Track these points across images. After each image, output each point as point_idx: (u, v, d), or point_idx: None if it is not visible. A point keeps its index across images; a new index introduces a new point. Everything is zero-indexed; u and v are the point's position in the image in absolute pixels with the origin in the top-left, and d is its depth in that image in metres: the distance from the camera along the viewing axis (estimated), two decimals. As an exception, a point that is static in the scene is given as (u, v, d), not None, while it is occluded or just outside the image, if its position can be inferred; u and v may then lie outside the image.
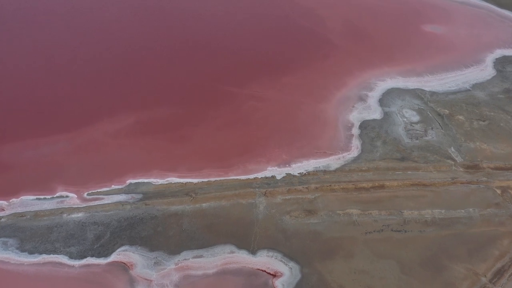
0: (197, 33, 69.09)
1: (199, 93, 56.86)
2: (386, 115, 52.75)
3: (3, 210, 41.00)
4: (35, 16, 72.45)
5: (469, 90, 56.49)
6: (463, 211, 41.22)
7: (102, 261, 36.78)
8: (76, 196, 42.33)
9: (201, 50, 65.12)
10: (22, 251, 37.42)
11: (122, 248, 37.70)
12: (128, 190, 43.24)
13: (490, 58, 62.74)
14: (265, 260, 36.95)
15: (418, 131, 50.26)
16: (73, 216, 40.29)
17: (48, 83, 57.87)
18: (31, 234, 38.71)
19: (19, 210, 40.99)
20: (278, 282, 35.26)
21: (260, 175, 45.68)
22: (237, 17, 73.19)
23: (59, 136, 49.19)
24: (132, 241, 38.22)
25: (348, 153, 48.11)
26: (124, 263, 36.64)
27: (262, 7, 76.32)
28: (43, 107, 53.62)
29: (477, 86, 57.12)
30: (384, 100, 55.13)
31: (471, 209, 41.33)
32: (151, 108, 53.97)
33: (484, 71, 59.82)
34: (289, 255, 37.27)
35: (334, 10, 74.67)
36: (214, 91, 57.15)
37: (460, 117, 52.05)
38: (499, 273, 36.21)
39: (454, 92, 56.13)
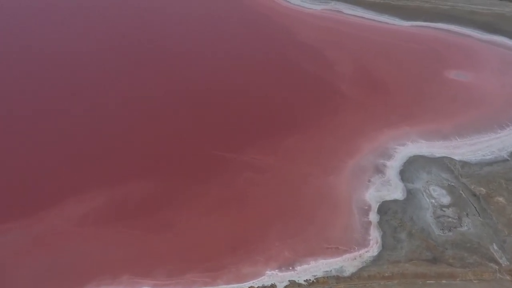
0: (183, 84, 59.99)
1: (185, 161, 47.75)
2: (410, 194, 43.64)
3: None
4: None
5: (508, 160, 47.44)
6: None
7: None
8: (20, 322, 33.23)
9: (189, 105, 55.73)
10: None
11: None
12: (88, 310, 34.15)
13: (528, 116, 53.70)
14: None
15: (450, 219, 41.08)
16: None
17: None
18: None
19: None
20: None
21: (256, 282, 36.52)
22: (232, 63, 64.03)
23: (11, 225, 40.10)
24: None
25: (366, 249, 38.97)
26: None
27: (262, 48, 67.45)
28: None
29: (516, 154, 48.02)
30: (406, 172, 46.04)
31: None
32: (126, 183, 44.83)
33: (523, 134, 50.79)
34: None
35: (344, 50, 65.85)
36: (204, 158, 48.08)
37: (500, 198, 42.91)
38: None
39: (489, 163, 47.06)
